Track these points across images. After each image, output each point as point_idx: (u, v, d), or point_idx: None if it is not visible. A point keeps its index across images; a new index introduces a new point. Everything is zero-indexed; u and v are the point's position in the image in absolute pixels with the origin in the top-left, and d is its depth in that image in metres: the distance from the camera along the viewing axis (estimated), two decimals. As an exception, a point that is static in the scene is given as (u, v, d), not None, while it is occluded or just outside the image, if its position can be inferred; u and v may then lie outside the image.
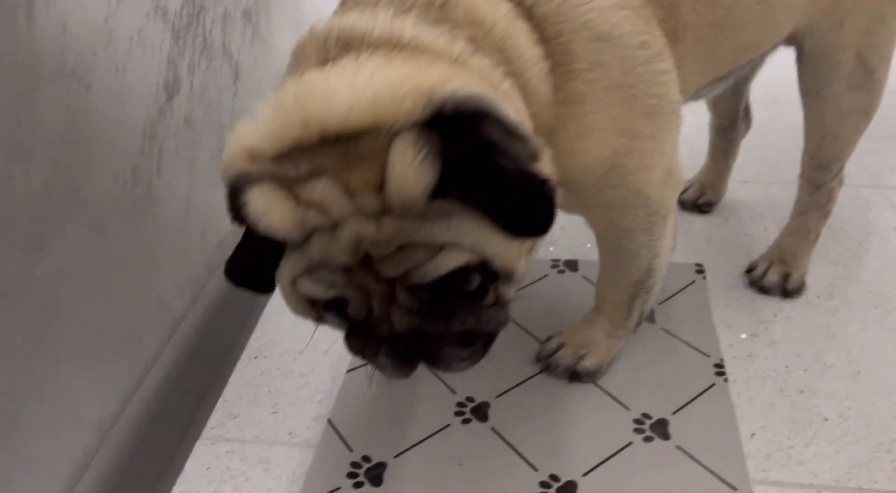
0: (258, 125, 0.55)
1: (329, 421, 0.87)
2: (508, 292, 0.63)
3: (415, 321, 0.59)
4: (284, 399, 0.92)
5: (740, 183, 1.28)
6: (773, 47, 0.90)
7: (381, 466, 0.81)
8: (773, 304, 1.04)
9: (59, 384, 0.67)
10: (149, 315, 0.82)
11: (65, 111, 0.66)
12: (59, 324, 0.67)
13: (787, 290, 1.04)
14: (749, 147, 1.25)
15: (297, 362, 0.98)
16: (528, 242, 0.62)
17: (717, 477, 0.78)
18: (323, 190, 0.53)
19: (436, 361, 0.63)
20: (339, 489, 0.79)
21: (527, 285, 1.08)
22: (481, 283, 0.60)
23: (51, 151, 0.64)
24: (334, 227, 0.54)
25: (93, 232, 0.71)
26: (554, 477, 0.79)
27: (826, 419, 0.86)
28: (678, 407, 0.87)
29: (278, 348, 1.00)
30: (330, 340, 1.00)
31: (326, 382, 0.94)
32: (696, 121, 1.21)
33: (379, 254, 0.56)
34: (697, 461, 0.80)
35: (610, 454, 0.81)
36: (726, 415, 0.86)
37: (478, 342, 0.64)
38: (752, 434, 0.84)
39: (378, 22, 0.60)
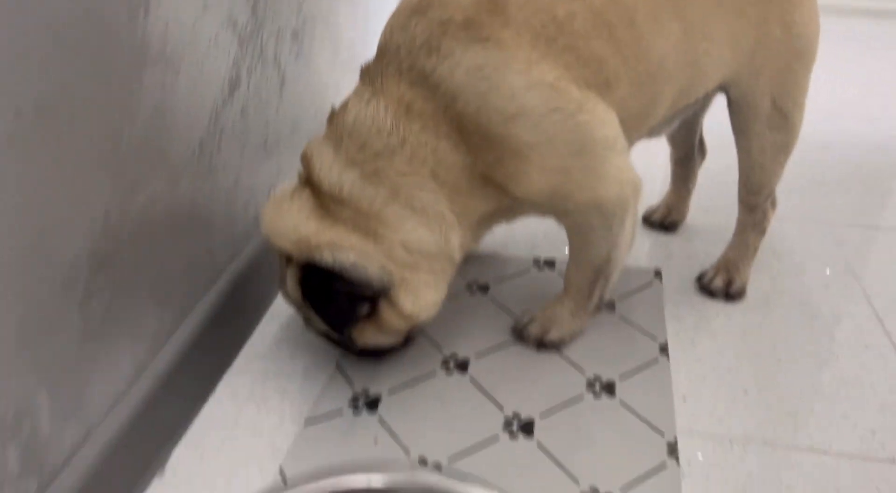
0: (269, 204, 0.96)
1: (336, 363, 1.05)
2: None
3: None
4: (300, 349, 1.10)
5: (702, 210, 1.48)
6: (709, 93, 1.10)
7: (377, 398, 0.99)
8: (717, 306, 1.22)
9: (134, 301, 0.86)
10: (200, 261, 1.02)
11: (160, 88, 0.86)
12: (140, 252, 0.86)
13: (730, 294, 1.23)
14: (709, 180, 1.45)
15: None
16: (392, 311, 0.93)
17: (649, 425, 0.96)
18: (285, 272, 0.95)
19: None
20: (340, 409, 0.97)
21: (510, 277, 1.27)
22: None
23: (149, 117, 0.84)
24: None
25: (169, 185, 0.91)
26: (516, 415, 0.97)
27: (746, 392, 1.03)
28: (625, 372, 1.05)
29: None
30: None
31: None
32: (662, 153, 1.43)
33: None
34: (635, 413, 0.98)
35: (563, 400, 0.99)
36: (664, 382, 1.04)
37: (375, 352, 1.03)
38: (684, 399, 1.02)
39: (332, 175, 0.90)
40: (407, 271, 0.92)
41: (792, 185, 1.60)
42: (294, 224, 0.91)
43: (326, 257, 0.88)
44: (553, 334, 1.08)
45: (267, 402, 0.99)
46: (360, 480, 0.68)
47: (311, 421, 0.95)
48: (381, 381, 1.02)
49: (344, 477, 0.68)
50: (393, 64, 0.88)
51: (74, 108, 0.71)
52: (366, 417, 0.96)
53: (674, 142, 1.37)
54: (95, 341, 0.79)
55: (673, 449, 0.92)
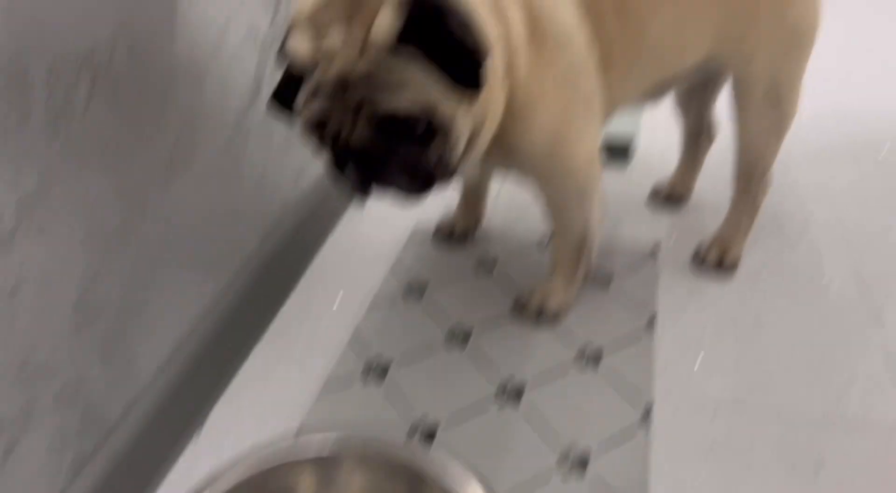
0: None
1: (349, 339, 1.19)
2: (450, 154, 0.85)
3: (367, 144, 0.82)
4: (319, 326, 1.24)
5: (710, 186, 1.55)
6: (689, 69, 1.16)
7: (387, 366, 1.13)
8: (710, 278, 1.31)
9: (172, 285, 1.01)
10: (231, 244, 1.16)
11: (188, 98, 1.00)
12: (176, 236, 1.01)
13: (723, 267, 1.31)
14: (719, 158, 1.51)
15: (336, 291, 1.30)
16: (464, 104, 0.83)
17: (628, 391, 1.06)
18: (334, 28, 0.78)
19: (382, 180, 0.85)
20: (352, 376, 1.11)
21: (517, 253, 1.38)
22: (425, 132, 0.82)
23: (178, 127, 0.98)
24: (331, 60, 0.79)
25: (199, 183, 1.05)
26: (510, 379, 1.09)
27: (724, 359, 1.13)
28: (612, 342, 1.15)
29: (324, 283, 1.33)
30: (357, 289, 1.33)
31: (356, 315, 1.26)
32: (673, 134, 1.50)
33: (354, 77, 0.78)
34: (618, 380, 1.08)
35: (551, 369, 1.11)
36: (648, 350, 1.14)
37: (417, 180, 0.85)
38: (666, 366, 1.12)
39: None
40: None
41: (797, 158, 1.65)
42: None
43: None
44: (551, 304, 1.19)
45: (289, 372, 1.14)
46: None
47: (328, 386, 1.09)
48: (391, 347, 1.15)
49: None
50: None
51: (112, 128, 0.85)
52: (375, 383, 1.09)
53: (686, 119, 1.44)
54: (138, 317, 0.94)
55: (646, 415, 1.02)
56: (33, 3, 0.72)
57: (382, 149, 0.83)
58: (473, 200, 1.40)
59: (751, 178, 1.26)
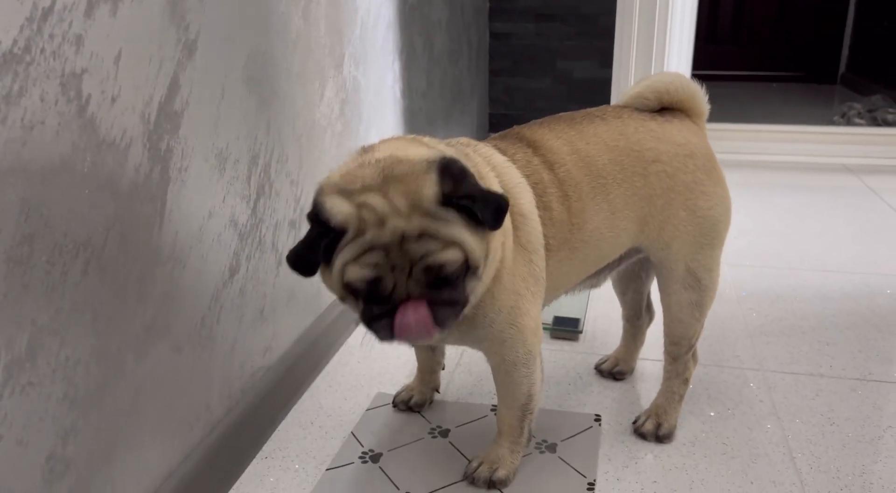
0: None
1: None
2: (475, 285, 1.03)
3: (424, 290, 0.97)
4: (284, 479, 1.31)
5: (651, 361, 1.67)
6: (620, 256, 1.34)
7: (337, 530, 1.18)
8: (648, 447, 1.39)
9: (140, 444, 1.10)
10: (199, 414, 1.25)
11: (169, 280, 1.14)
12: (146, 403, 1.11)
13: (659, 436, 1.39)
14: (659, 334, 1.65)
15: (294, 462, 1.37)
16: (485, 242, 1.00)
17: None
18: (369, 196, 0.95)
19: (427, 320, 0.97)
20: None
21: (469, 422, 1.47)
22: (462, 274, 0.99)
23: (158, 300, 1.12)
24: (382, 222, 0.94)
25: (173, 351, 1.17)
26: (452, 545, 1.14)
27: (658, 524, 1.19)
28: (553, 508, 1.22)
29: (283, 451, 1.40)
30: (323, 444, 1.40)
31: (314, 478, 1.33)
32: (618, 311, 1.64)
33: (409, 237, 0.94)
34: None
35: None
36: (585, 516, 1.20)
37: (453, 316, 1.01)
38: (602, 530, 1.18)
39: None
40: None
41: (734, 335, 1.79)
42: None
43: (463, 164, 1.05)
44: (500, 473, 1.27)
45: (245, 532, 1.19)
46: None
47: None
48: (343, 515, 1.21)
49: None
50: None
51: (99, 300, 0.99)
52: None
53: (624, 303, 1.60)
54: (106, 473, 1.02)
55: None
56: (42, 199, 0.88)
57: (434, 294, 0.98)
58: (429, 372, 1.52)
59: (679, 350, 1.39)
